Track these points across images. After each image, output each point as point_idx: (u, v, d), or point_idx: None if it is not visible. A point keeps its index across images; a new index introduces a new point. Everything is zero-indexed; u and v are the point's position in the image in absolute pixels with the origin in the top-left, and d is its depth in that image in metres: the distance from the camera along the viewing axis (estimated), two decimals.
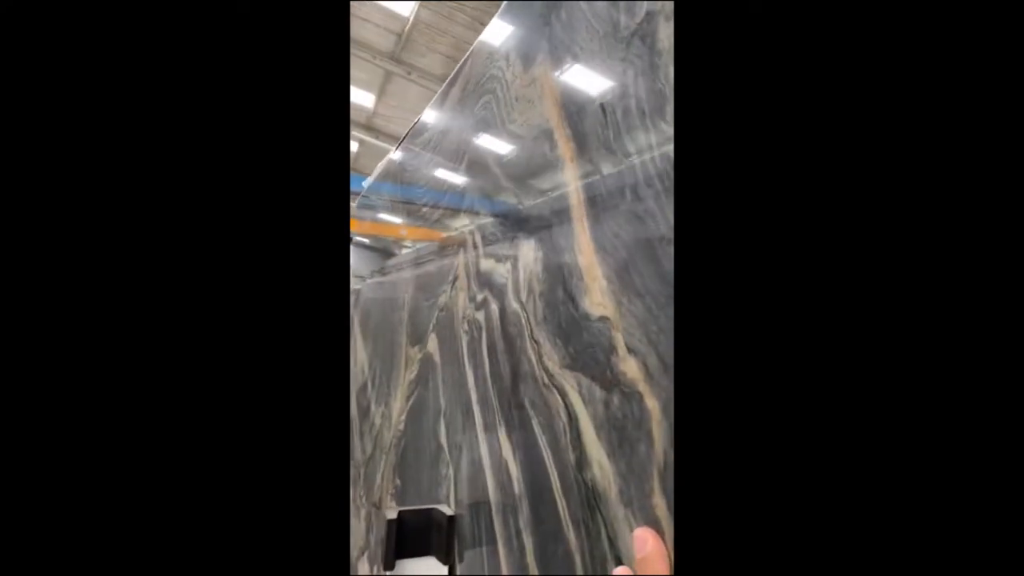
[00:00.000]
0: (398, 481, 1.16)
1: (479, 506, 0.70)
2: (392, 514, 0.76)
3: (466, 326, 0.81)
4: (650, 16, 0.46)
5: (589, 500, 0.46)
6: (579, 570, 0.47)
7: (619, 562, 0.43)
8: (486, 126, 0.80)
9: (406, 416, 1.15)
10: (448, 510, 0.79)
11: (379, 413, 1.34)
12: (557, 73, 0.60)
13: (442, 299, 0.95)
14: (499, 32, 0.80)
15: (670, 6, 0.44)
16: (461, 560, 0.74)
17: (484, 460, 0.70)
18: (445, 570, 0.76)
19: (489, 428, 0.69)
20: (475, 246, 0.81)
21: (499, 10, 0.82)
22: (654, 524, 0.39)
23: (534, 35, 0.67)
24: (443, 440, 0.88)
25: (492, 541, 0.67)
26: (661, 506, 0.39)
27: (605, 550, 0.44)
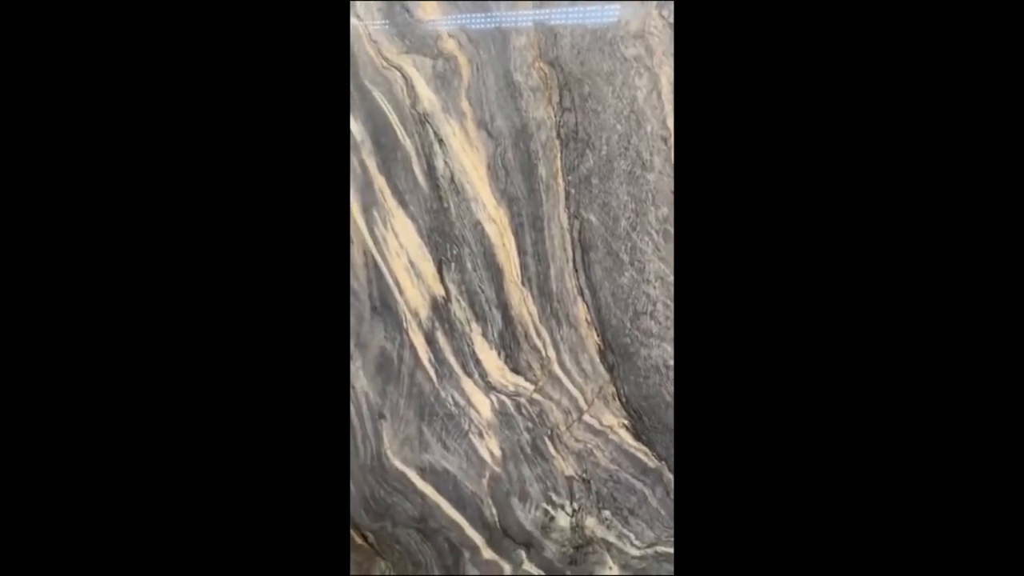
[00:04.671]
0: None
1: None
2: None
3: None
4: None
5: (420, 119, 0.89)
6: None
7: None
8: None
9: None
10: None
11: None
12: None
13: None
14: None
15: None
16: None
17: None
18: None
19: None
20: None
21: None
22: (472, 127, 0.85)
23: None
24: None
25: None
26: (468, 114, 0.84)
27: (433, 145, 0.88)
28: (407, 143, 0.92)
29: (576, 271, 0.78)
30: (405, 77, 0.90)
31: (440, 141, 0.88)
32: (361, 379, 1.06)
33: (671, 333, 0.77)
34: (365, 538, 1.09)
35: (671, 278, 0.75)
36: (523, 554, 0.90)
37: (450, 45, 0.84)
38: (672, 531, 0.82)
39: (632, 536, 0.84)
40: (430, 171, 0.90)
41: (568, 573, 0.85)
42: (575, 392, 0.81)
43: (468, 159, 0.86)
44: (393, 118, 0.93)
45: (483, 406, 0.91)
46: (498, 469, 0.91)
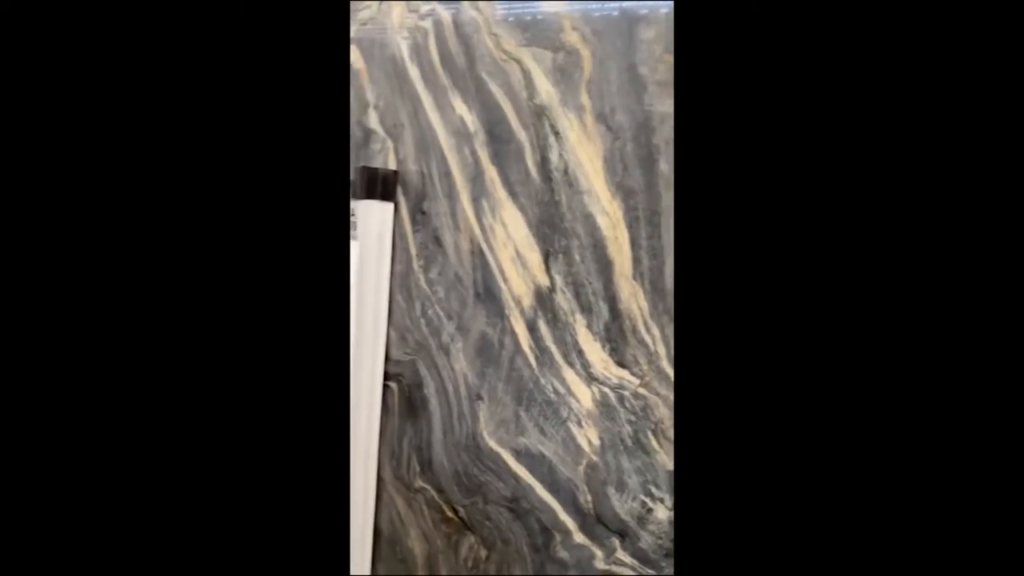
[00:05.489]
0: None
1: (428, 162, 1.08)
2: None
3: (406, 33, 1.08)
4: None
5: (539, 112, 0.90)
6: (527, 143, 0.92)
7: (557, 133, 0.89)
8: None
9: None
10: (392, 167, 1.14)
11: None
12: None
13: (363, 14, 1.15)
14: None
15: None
16: (410, 202, 1.13)
17: (436, 127, 1.05)
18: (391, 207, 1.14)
19: (440, 102, 1.04)
20: None
21: None
22: (579, 108, 0.86)
23: None
24: (374, 125, 1.18)
25: (439, 182, 1.07)
26: (587, 107, 0.85)
27: (548, 137, 0.90)
28: (521, 135, 0.94)
29: None
30: (524, 70, 0.92)
31: (556, 134, 0.89)
32: (460, 361, 1.11)
33: None
34: (456, 512, 1.15)
35: None
36: (617, 542, 0.92)
37: (572, 38, 0.84)
38: None
39: None
40: (543, 163, 0.92)
41: (664, 566, 0.86)
42: None
43: (584, 152, 0.86)
44: (509, 110, 0.95)
45: (584, 396, 0.93)
46: (596, 458, 0.92)
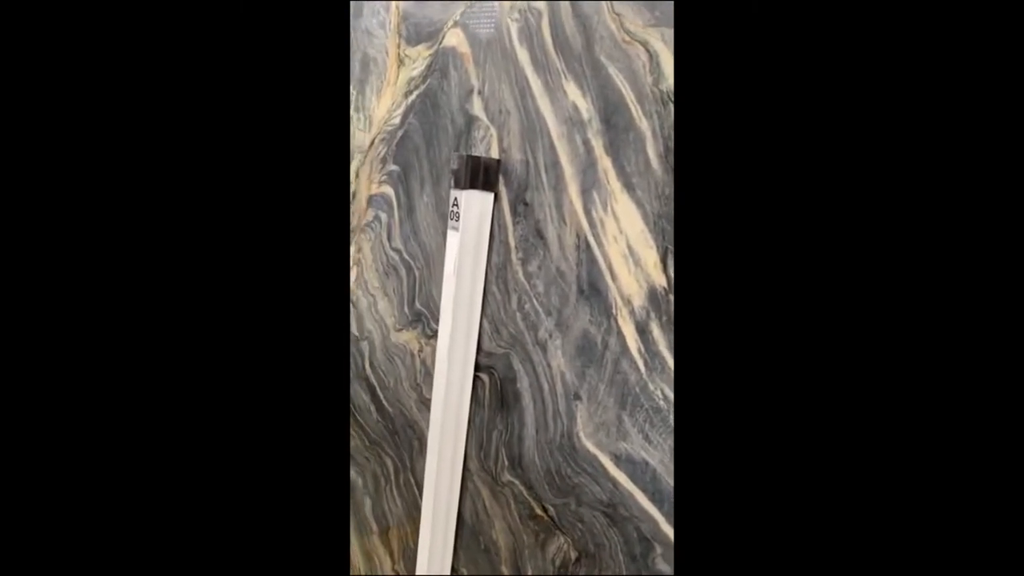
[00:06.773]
0: (394, 166, 1.40)
1: (535, 151, 1.04)
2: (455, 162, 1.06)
3: (516, 15, 1.03)
4: None
5: (663, 98, 0.84)
6: (650, 135, 0.86)
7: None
8: None
9: (405, 110, 1.35)
10: (495, 156, 1.11)
11: (357, 117, 1.48)
12: None
13: None
14: None
15: None
16: (512, 192, 1.09)
17: (544, 113, 1.01)
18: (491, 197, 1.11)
19: (551, 87, 0.99)
20: None
21: None
22: None
23: None
24: (477, 111, 1.15)
25: (545, 172, 1.03)
26: None
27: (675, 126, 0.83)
28: (643, 124, 0.87)
29: None
30: (649, 52, 0.85)
31: None
32: (558, 358, 1.07)
33: None
34: (545, 510, 1.12)
35: None
36: None
37: None
38: None
39: None
40: (667, 154, 0.85)
41: None
42: None
43: None
44: (629, 96, 0.88)
45: None
46: None
